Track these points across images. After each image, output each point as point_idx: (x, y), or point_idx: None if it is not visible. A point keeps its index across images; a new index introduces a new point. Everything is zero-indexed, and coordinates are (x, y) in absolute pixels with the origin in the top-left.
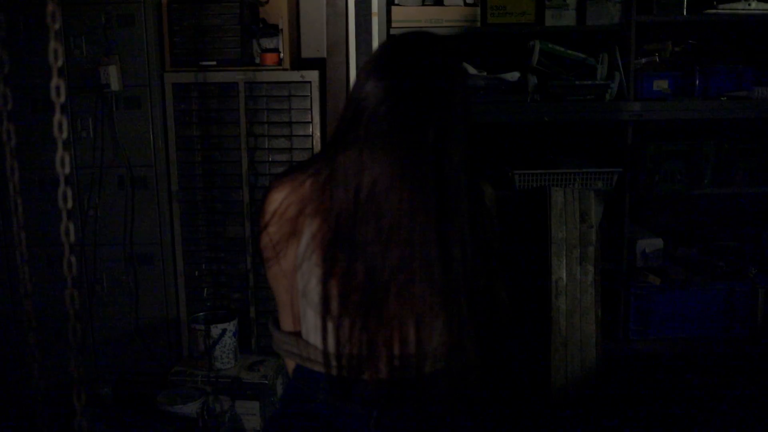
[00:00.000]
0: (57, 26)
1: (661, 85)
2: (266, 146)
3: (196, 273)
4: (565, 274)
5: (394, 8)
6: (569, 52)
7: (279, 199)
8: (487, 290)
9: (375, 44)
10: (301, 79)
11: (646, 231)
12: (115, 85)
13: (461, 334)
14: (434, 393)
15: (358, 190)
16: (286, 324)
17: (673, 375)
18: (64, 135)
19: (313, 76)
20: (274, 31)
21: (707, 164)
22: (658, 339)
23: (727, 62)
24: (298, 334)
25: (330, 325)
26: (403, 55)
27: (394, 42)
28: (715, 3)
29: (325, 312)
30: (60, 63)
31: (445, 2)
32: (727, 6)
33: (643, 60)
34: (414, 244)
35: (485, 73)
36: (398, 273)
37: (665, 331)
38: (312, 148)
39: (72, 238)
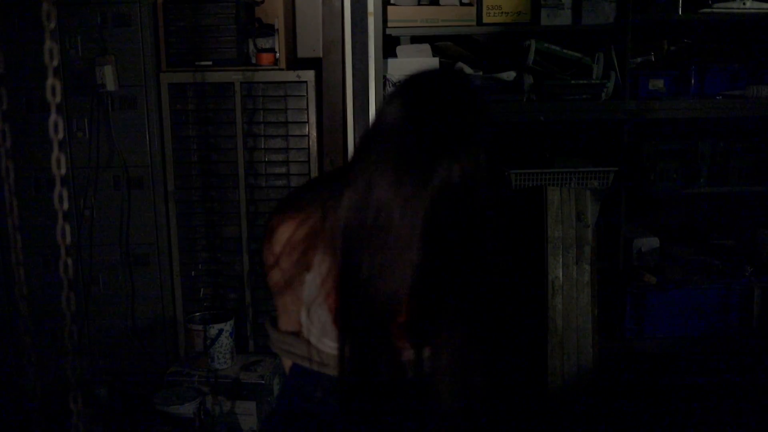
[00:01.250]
0: (52, 26)
1: (657, 84)
2: (263, 146)
3: (193, 273)
4: (561, 274)
5: (389, 8)
6: (565, 51)
7: (286, 237)
8: (489, 306)
9: (371, 44)
10: (297, 79)
11: (642, 230)
12: (110, 85)
13: (462, 348)
14: (434, 396)
15: (365, 214)
16: (286, 324)
17: (670, 373)
18: (60, 135)
19: (309, 75)
20: (270, 30)
21: (703, 163)
22: (655, 338)
23: (722, 61)
24: (297, 334)
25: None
26: (427, 89)
27: (418, 77)
28: (710, 2)
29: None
30: (56, 63)
31: (441, 2)
32: (722, 5)
33: (639, 59)
34: (421, 272)
35: (481, 73)
36: (404, 297)
37: (661, 330)
38: (308, 149)
39: (68, 240)
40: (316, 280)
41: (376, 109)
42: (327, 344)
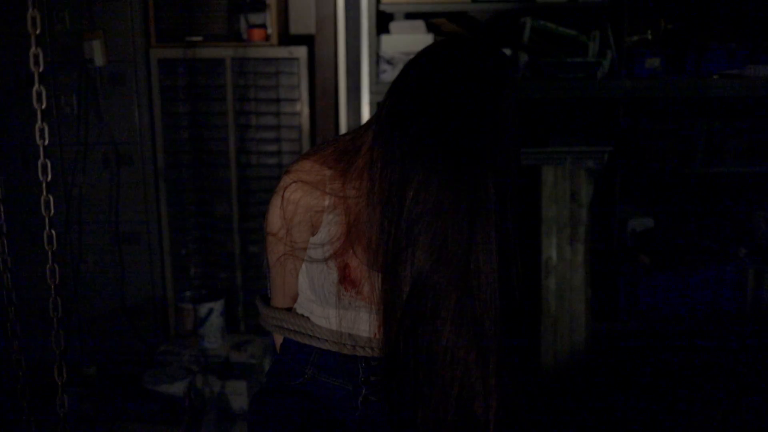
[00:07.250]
0: None
1: (654, 63)
2: (254, 123)
3: (183, 252)
4: (555, 254)
5: None
6: (561, 29)
7: (297, 198)
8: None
9: (364, 20)
10: (288, 56)
11: (637, 210)
12: (99, 60)
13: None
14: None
15: (401, 208)
16: (279, 302)
17: (662, 354)
18: (44, 105)
19: (301, 52)
20: (261, 6)
21: (698, 143)
22: (648, 318)
23: (719, 40)
24: (290, 310)
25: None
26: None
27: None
28: None
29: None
30: (38, 31)
31: None
32: None
33: (636, 38)
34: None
35: None
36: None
37: (654, 311)
38: (300, 126)
39: (52, 211)
40: (322, 241)
41: (371, 82)
42: (317, 312)
